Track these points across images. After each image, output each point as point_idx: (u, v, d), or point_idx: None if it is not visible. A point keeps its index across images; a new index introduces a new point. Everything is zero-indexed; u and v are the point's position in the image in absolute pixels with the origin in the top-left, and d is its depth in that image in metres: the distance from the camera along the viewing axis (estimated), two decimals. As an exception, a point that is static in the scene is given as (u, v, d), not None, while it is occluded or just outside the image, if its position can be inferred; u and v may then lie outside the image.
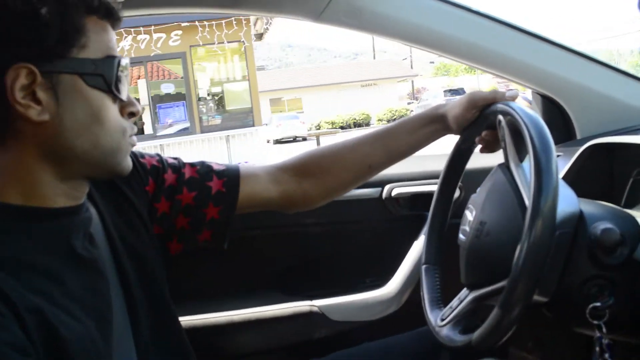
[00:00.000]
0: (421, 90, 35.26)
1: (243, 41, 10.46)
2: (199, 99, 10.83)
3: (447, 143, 1.01)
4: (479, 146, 0.97)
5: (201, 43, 10.20)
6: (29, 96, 0.64)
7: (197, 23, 9.99)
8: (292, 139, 23.20)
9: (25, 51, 0.63)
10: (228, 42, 10.20)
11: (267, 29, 11.76)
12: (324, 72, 36.30)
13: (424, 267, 1.00)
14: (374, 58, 44.78)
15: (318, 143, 9.50)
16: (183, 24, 10.09)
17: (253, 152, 10.56)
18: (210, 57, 10.85)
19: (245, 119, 11.05)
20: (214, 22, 10.01)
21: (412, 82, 38.76)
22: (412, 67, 37.42)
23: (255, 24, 11.25)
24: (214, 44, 10.22)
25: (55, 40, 0.64)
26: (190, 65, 10.62)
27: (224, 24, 9.97)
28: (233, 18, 9.99)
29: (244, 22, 10.27)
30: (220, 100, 10.99)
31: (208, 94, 10.94)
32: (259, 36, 12.10)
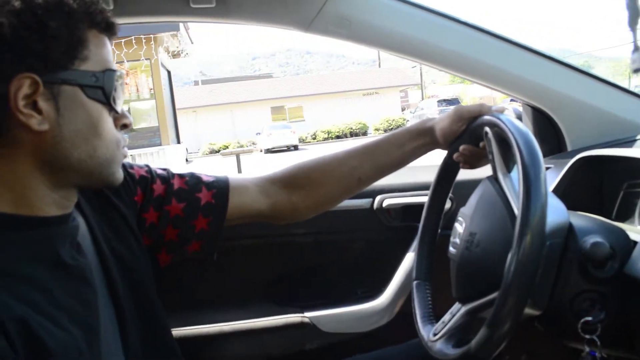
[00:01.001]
0: (433, 98, 34.96)
1: (144, 60, 10.19)
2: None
3: (440, 153, 1.01)
4: None
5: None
6: (30, 105, 0.64)
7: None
8: (285, 148, 23.36)
9: (31, 62, 0.63)
10: (128, 60, 9.93)
11: (183, 50, 11.65)
12: (329, 80, 36.18)
13: (415, 282, 1.00)
14: (379, 66, 44.44)
15: (238, 163, 9.17)
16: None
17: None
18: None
19: (152, 137, 10.85)
20: (113, 41, 9.75)
21: (422, 90, 38.48)
22: (421, 75, 37.13)
23: (174, 40, 11.11)
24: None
25: (60, 52, 0.65)
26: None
27: (123, 43, 9.65)
28: (133, 37, 9.71)
29: (144, 40, 9.98)
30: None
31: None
32: (176, 54, 12.01)
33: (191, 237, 0.93)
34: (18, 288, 0.61)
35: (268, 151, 23.49)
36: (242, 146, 27.85)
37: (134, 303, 0.81)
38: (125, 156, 0.77)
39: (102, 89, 0.70)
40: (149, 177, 0.91)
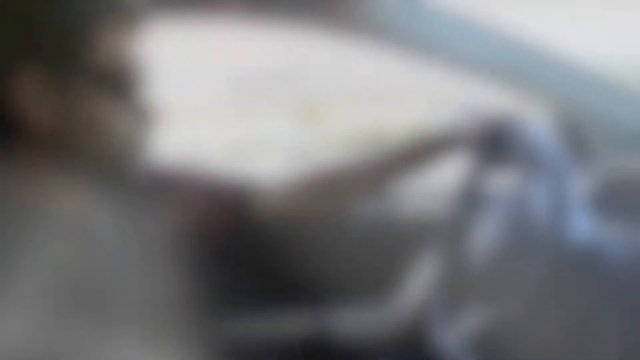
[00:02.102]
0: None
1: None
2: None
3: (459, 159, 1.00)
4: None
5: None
6: (34, 100, 0.63)
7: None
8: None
9: (36, 55, 0.62)
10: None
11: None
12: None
13: (430, 289, 1.00)
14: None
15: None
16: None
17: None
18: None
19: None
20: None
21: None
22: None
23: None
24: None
25: (67, 45, 0.63)
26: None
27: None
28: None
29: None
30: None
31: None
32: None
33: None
34: None
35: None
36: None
37: None
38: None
39: (115, 81, 0.66)
40: None
